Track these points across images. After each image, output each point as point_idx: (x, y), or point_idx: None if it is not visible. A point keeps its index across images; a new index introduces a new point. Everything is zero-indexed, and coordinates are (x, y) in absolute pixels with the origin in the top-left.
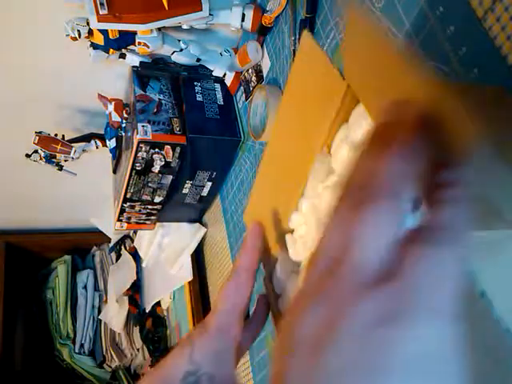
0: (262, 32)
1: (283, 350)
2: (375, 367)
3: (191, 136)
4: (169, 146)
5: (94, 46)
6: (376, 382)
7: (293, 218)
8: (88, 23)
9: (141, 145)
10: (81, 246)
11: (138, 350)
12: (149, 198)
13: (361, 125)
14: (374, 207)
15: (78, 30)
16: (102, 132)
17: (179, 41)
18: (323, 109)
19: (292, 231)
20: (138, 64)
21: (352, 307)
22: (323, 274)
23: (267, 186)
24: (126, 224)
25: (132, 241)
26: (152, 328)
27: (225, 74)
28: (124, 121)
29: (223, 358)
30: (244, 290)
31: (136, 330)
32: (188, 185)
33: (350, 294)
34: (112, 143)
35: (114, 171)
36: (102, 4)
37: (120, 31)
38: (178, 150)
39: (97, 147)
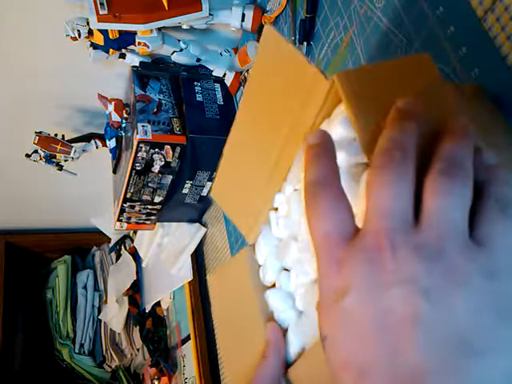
0: (261, 32)
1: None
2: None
3: (191, 136)
4: (169, 146)
5: (94, 46)
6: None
7: (276, 198)
8: (88, 23)
9: (141, 145)
10: (81, 245)
11: (138, 349)
12: (149, 198)
13: (339, 126)
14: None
15: (78, 30)
16: (102, 132)
17: (179, 41)
18: (302, 101)
19: (276, 209)
20: (137, 64)
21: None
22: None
23: (236, 166)
24: (125, 224)
25: (132, 241)
26: (152, 328)
27: (225, 74)
28: (124, 121)
29: None
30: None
31: (136, 330)
32: (188, 185)
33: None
34: (112, 143)
35: (114, 171)
36: (101, 4)
37: (120, 31)
38: (177, 149)
39: (97, 147)
